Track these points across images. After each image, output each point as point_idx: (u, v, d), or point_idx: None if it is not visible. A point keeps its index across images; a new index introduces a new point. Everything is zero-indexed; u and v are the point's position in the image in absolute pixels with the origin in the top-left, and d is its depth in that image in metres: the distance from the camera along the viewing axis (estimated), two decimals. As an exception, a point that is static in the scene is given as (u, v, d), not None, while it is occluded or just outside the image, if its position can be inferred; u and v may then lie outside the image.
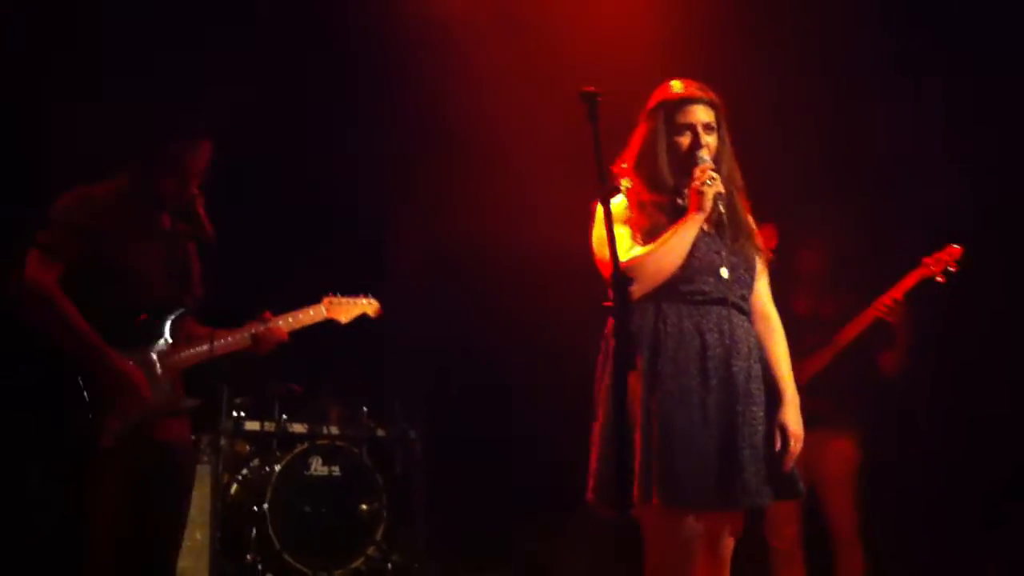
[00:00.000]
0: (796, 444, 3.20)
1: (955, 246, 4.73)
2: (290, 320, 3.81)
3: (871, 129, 5.51)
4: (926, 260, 4.76)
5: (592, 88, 2.90)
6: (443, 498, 6.74)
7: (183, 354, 3.60)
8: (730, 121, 3.33)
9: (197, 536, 5.29)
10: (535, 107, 5.36)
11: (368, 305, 4.09)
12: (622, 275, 2.87)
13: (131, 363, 3.46)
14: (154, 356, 3.54)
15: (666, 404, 3.09)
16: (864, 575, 4.94)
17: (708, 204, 3.14)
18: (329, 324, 3.98)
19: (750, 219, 3.37)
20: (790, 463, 3.20)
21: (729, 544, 3.28)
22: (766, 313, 3.37)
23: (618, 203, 3.21)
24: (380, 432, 6.58)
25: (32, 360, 3.46)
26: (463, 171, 6.23)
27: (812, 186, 5.52)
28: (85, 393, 3.39)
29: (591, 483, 3.19)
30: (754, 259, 3.32)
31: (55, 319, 3.40)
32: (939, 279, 4.73)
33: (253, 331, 3.71)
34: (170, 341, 3.57)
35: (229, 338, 3.69)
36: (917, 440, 5.64)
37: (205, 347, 3.64)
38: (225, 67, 5.48)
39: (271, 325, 3.74)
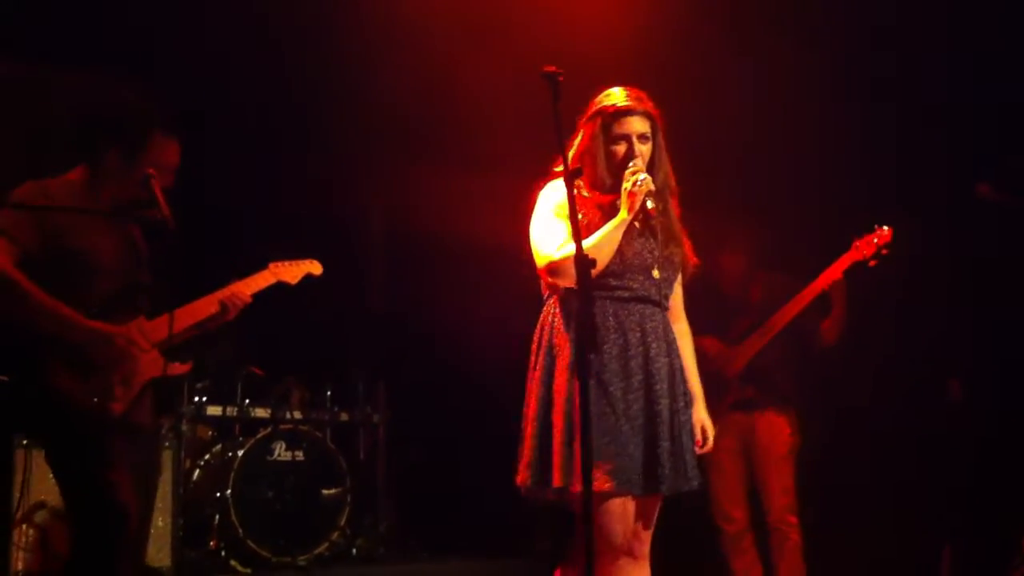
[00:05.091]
0: (711, 439, 3.55)
1: (884, 228, 4.75)
2: (249, 283, 3.94)
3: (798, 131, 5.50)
4: (857, 242, 4.80)
5: (554, 68, 2.98)
6: (407, 482, 6.73)
7: (159, 325, 3.61)
8: (666, 130, 3.44)
9: (159, 523, 5.24)
10: (497, 89, 5.32)
11: (312, 265, 4.20)
12: (585, 258, 2.99)
13: (117, 327, 3.48)
14: (135, 329, 3.56)
15: (593, 396, 3.18)
16: (801, 555, 4.97)
17: (638, 204, 3.27)
18: (283, 294, 4.10)
19: (679, 225, 3.53)
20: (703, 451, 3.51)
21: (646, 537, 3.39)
22: (680, 317, 3.58)
23: (560, 200, 3.33)
24: (343, 416, 6.57)
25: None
26: (424, 155, 6.19)
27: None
28: (78, 369, 3.41)
29: (555, 467, 3.24)
30: (679, 264, 3.50)
31: (24, 300, 3.37)
32: (871, 263, 4.76)
33: (220, 297, 3.81)
34: (144, 316, 3.61)
35: (199, 306, 3.78)
36: (864, 421, 5.68)
37: (178, 317, 3.68)
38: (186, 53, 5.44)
39: (233, 288, 3.86)
